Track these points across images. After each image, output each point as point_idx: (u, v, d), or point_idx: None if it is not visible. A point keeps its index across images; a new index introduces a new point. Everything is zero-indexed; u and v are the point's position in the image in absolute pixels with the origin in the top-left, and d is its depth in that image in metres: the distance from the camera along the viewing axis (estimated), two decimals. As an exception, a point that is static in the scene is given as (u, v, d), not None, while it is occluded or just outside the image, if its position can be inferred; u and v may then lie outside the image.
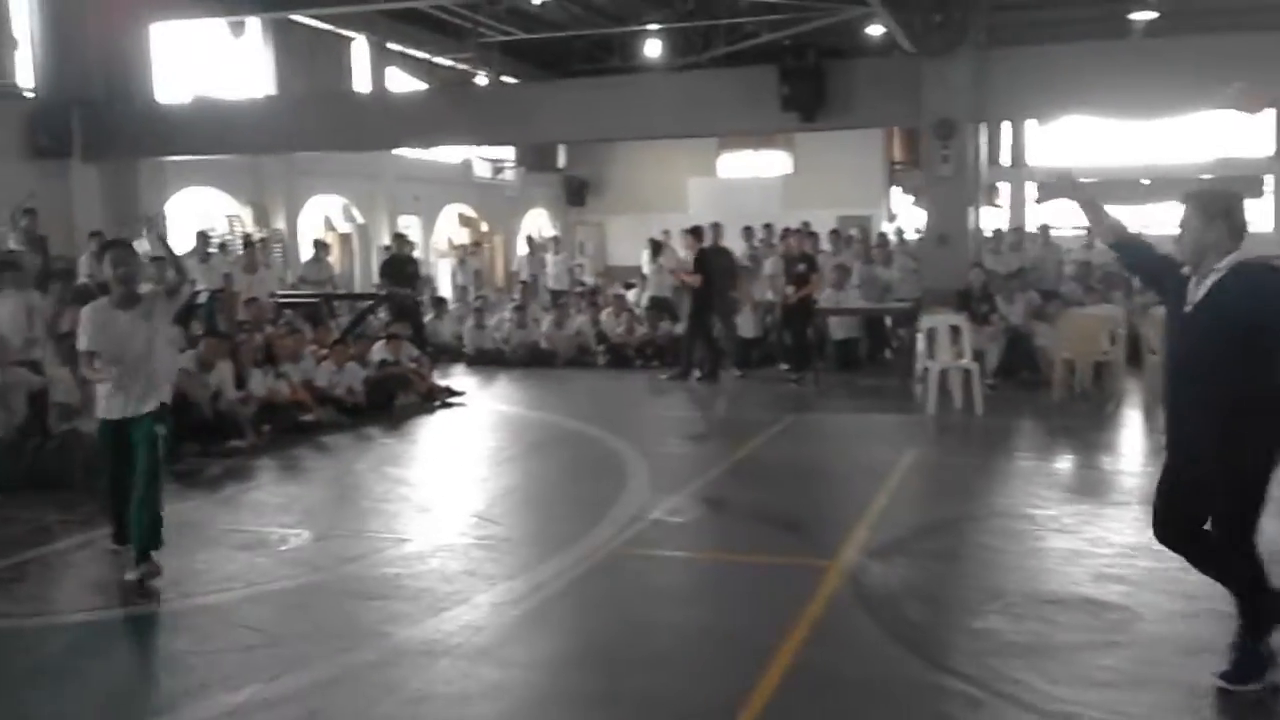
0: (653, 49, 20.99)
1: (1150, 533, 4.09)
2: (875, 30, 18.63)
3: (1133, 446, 9.20)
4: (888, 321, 13.68)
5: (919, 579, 5.61)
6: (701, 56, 20.68)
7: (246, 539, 6.48)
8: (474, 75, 22.30)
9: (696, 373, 12.54)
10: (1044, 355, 11.50)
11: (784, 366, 13.30)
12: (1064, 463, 8.72)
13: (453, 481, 8.13)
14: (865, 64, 13.93)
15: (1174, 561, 4.26)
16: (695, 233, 12.97)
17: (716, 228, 13.37)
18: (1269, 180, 24.78)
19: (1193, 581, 4.43)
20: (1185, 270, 4.04)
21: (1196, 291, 3.94)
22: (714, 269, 12.63)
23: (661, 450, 8.91)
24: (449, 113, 15.30)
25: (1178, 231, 4.01)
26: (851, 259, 13.89)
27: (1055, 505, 6.87)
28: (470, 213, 24.44)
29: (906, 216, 28.84)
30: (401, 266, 14.66)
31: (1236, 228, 3.93)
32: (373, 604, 5.23)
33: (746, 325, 13.67)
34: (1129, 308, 12.11)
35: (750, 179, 27.17)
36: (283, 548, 6.32)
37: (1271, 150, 24.74)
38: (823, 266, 13.05)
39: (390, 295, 14.16)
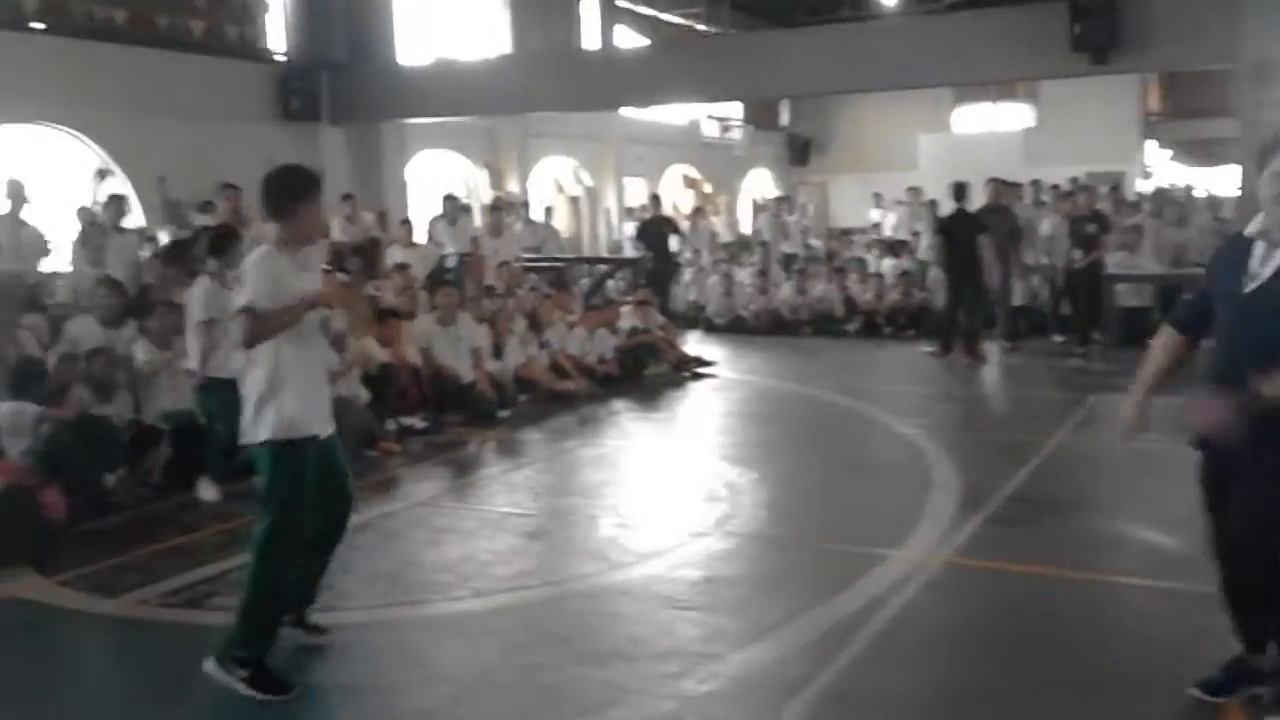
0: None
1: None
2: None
3: None
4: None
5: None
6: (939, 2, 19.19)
7: (526, 524, 6.00)
8: (700, 30, 21.52)
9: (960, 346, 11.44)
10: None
11: (1058, 338, 12.08)
12: None
13: (737, 466, 7.37)
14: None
15: None
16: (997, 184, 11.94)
17: (996, 183, 12.07)
18: None
19: None
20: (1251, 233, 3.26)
21: (1267, 264, 3.19)
22: (979, 231, 11.37)
23: (957, 438, 7.97)
24: (672, 68, 14.55)
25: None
26: (1145, 219, 12.40)
27: None
28: (694, 173, 23.78)
29: (1163, 173, 26.44)
30: (659, 228, 14.13)
31: None
32: (691, 614, 4.59)
33: (1015, 292, 12.45)
34: None
35: (986, 134, 25.44)
36: (567, 535, 5.81)
37: None
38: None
39: (643, 259, 13.66)
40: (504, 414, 8.85)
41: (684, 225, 17.54)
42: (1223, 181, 20.28)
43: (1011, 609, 4.67)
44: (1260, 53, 10.85)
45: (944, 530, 5.64)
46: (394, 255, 11.46)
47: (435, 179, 16.81)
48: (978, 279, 11.09)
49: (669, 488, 6.83)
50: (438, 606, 4.81)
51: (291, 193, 3.98)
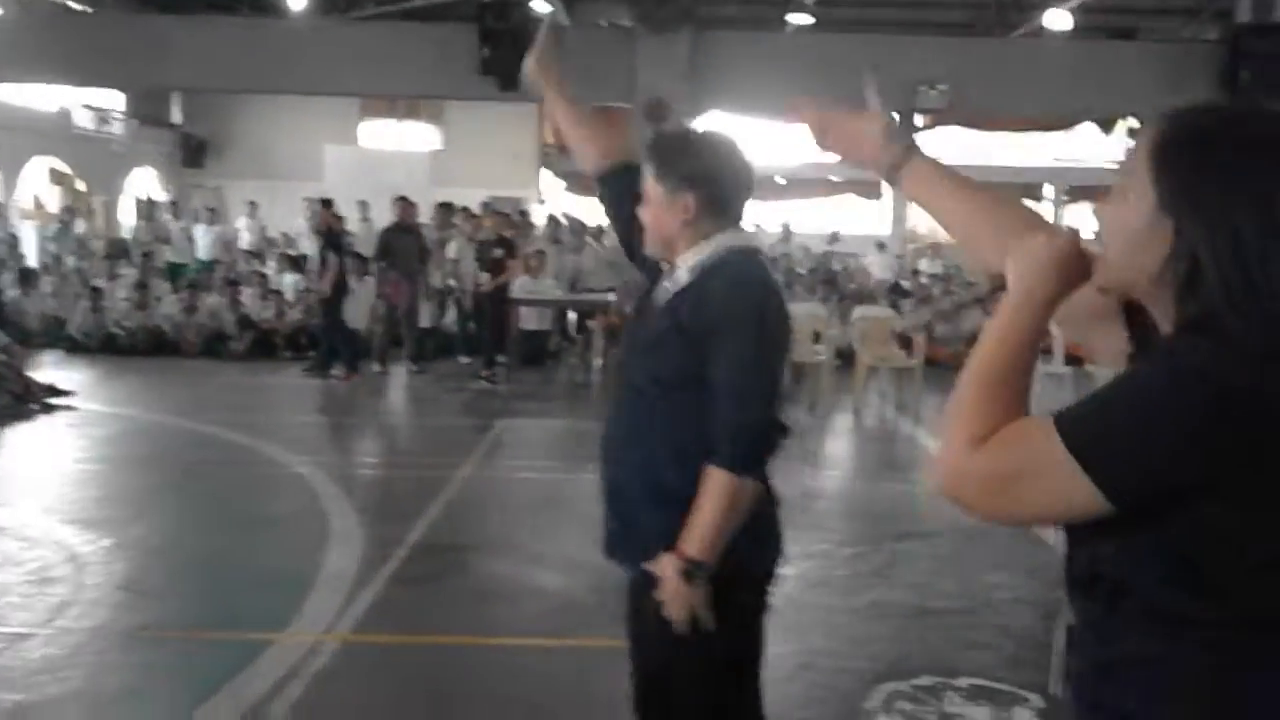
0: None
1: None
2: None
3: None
4: (571, 315, 12.61)
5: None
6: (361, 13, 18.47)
7: None
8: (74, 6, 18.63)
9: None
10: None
11: (465, 359, 11.90)
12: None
13: (87, 532, 5.87)
14: (575, 30, 12.59)
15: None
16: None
17: (405, 203, 11.53)
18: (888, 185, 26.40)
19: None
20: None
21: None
22: (397, 249, 10.91)
23: (359, 476, 7.21)
24: (36, 43, 12.33)
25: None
26: (547, 244, 12.64)
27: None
28: (63, 168, 20.58)
29: (558, 201, 28.13)
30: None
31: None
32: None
33: (422, 314, 12.06)
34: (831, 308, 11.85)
35: (394, 152, 25.17)
36: None
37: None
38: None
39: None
40: None
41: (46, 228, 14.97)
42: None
43: (418, 691, 3.97)
44: (651, 92, 11.53)
45: (342, 599, 4.79)
46: None
47: None
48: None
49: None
50: None
51: None
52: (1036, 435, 1.19)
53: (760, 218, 22.20)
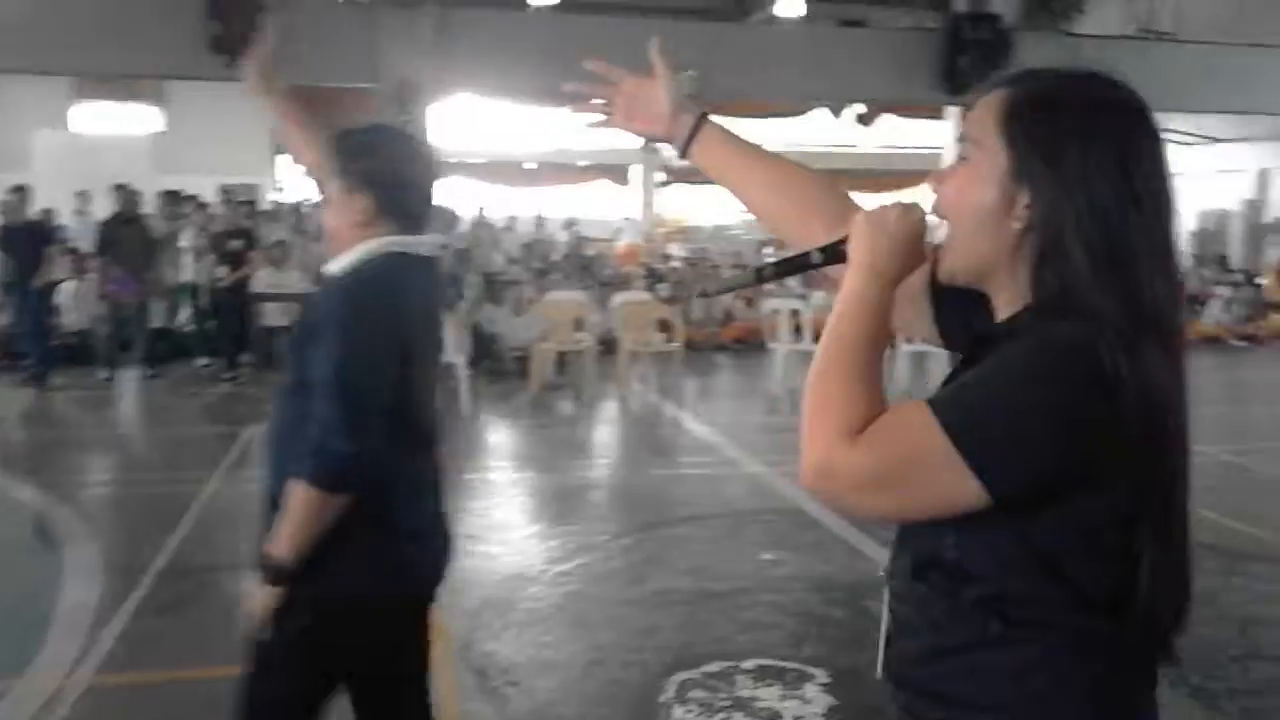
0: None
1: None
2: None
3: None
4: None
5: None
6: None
7: None
8: None
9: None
10: (501, 343, 10.79)
11: (204, 361, 11.10)
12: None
13: None
14: (313, 5, 11.84)
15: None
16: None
17: (127, 191, 10.60)
18: (635, 170, 26.75)
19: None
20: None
21: None
22: (120, 242, 10.03)
23: (95, 498, 6.57)
24: None
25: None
26: (292, 234, 11.97)
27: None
28: None
29: (297, 186, 26.84)
30: None
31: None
32: None
33: (152, 313, 11.17)
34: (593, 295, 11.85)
35: (111, 136, 23.22)
36: None
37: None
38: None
39: None
40: None
41: None
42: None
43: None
44: (398, 74, 11.07)
45: (85, 636, 4.32)
46: None
47: None
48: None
49: None
50: None
51: None
52: (917, 430, 1.11)
53: (510, 204, 22.07)
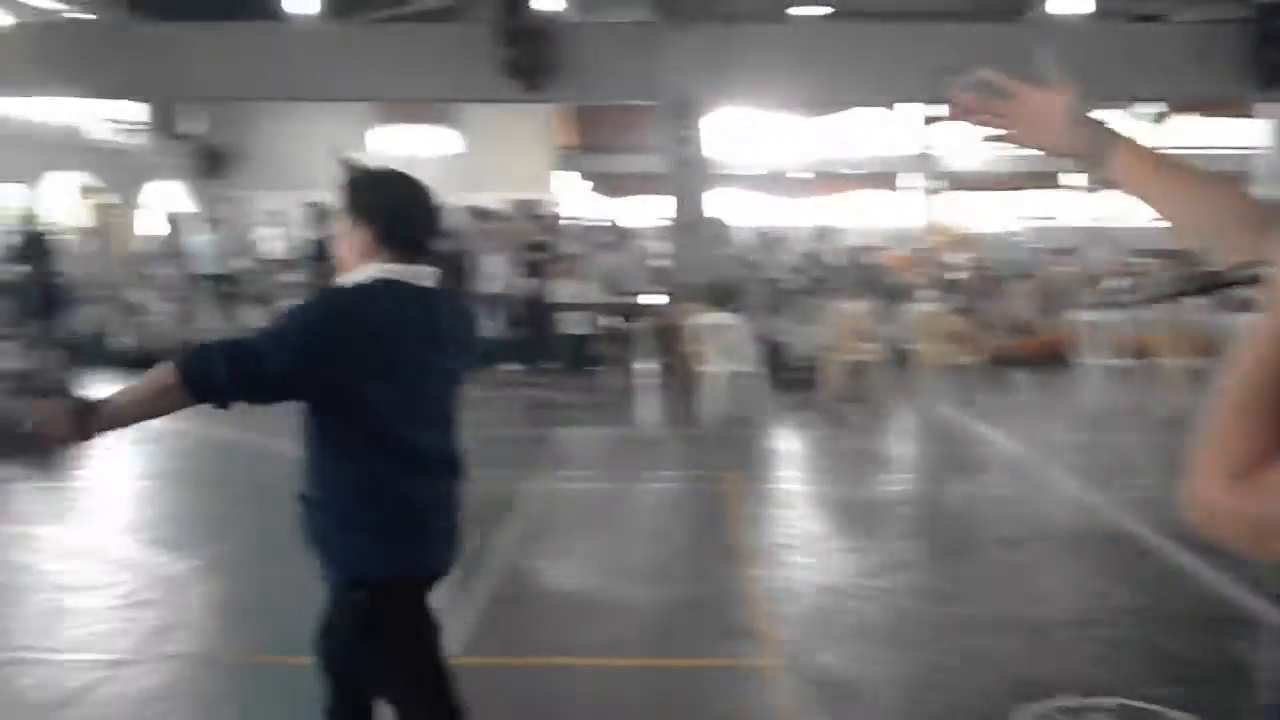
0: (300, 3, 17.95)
1: None
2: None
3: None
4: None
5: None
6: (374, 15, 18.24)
7: None
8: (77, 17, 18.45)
9: None
10: (788, 352, 10.84)
11: (512, 367, 11.76)
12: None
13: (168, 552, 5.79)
14: (597, 28, 12.40)
15: None
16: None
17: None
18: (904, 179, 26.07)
19: None
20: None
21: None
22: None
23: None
24: (45, 56, 12.15)
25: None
26: (589, 247, 12.54)
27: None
28: (93, 182, 20.51)
29: (578, 201, 28.01)
30: (41, 244, 11.48)
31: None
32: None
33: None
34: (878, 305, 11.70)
35: (408, 158, 24.98)
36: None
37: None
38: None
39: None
40: None
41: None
42: (636, 213, 21.77)
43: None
44: (678, 92, 11.38)
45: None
46: None
47: None
48: None
49: (68, 590, 5.14)
50: None
51: None
52: None
53: (786, 214, 22.14)
